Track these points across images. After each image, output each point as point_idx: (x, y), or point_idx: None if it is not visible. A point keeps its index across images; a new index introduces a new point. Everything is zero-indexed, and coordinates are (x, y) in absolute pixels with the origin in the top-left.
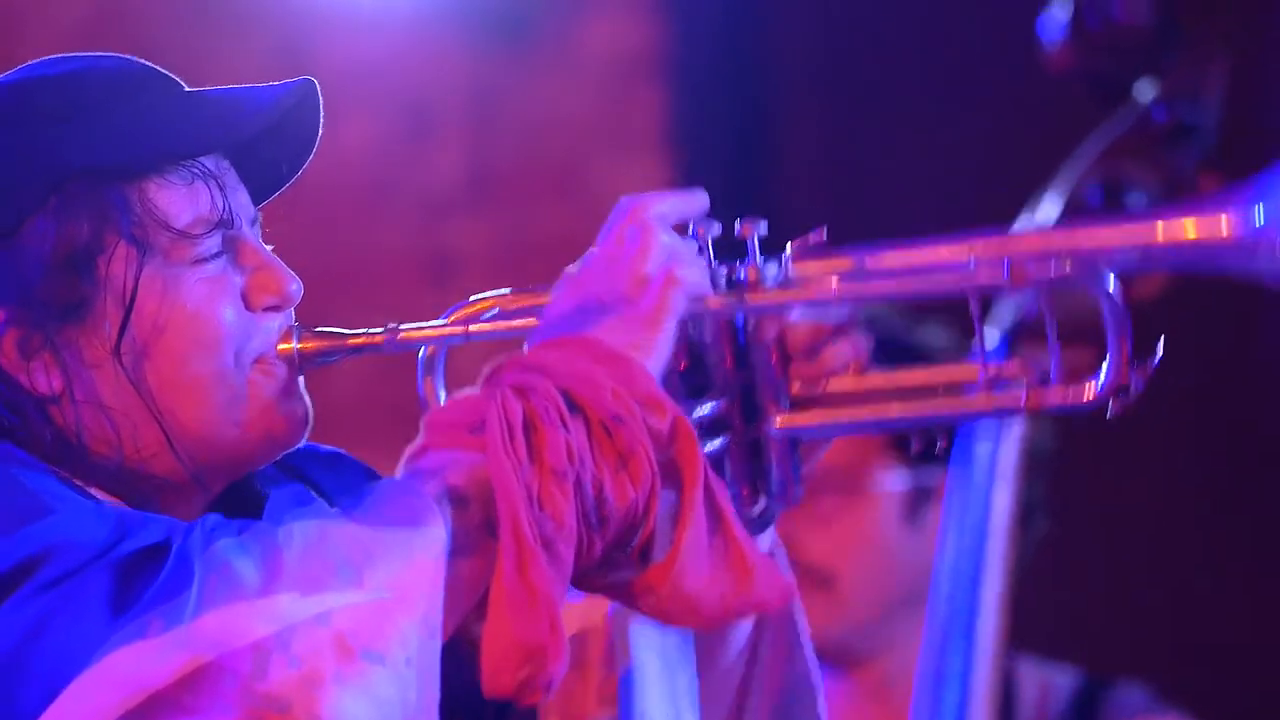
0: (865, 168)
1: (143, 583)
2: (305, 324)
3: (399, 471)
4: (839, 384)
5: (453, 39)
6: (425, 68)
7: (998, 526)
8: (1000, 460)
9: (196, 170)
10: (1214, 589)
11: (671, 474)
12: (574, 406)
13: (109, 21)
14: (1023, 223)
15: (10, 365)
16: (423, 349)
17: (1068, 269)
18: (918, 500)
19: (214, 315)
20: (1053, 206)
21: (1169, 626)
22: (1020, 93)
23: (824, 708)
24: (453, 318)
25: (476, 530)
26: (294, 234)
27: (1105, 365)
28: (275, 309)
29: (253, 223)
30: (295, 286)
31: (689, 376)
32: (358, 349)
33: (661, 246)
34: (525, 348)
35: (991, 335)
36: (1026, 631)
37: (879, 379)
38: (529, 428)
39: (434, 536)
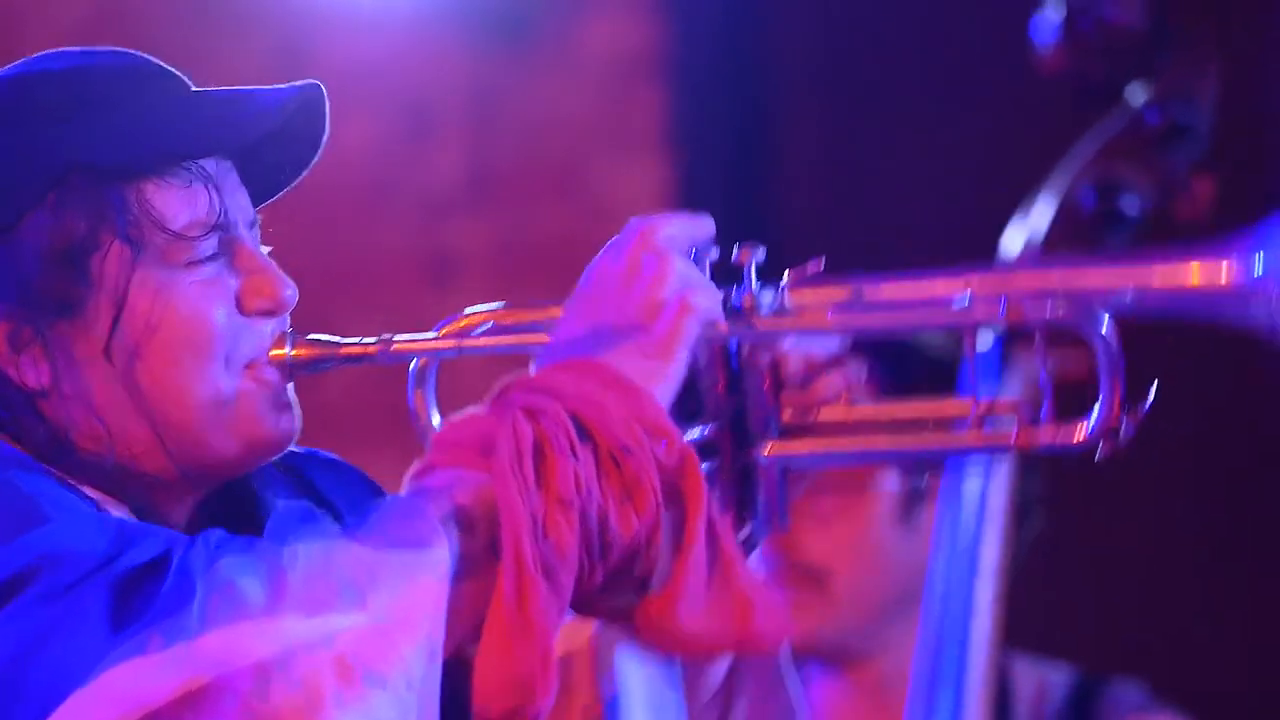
0: (865, 168)
1: (143, 598)
2: (304, 325)
3: (403, 488)
4: (830, 413)
5: (453, 39)
6: (425, 68)
7: (992, 525)
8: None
9: (195, 172)
10: (1210, 587)
11: (675, 505)
12: (584, 433)
13: (109, 21)
14: (1015, 226)
15: (0, 358)
16: (414, 360)
17: (1062, 311)
18: (913, 500)
19: (206, 317)
20: (1046, 209)
21: (1163, 624)
22: (1021, 93)
23: None
24: (445, 331)
25: (480, 553)
26: (294, 234)
27: (1097, 407)
28: (269, 313)
29: (251, 225)
30: (290, 292)
31: (680, 400)
32: (350, 358)
33: (677, 274)
34: (533, 367)
35: (986, 337)
36: (1021, 630)
37: (870, 410)
38: (539, 454)
39: (438, 559)
